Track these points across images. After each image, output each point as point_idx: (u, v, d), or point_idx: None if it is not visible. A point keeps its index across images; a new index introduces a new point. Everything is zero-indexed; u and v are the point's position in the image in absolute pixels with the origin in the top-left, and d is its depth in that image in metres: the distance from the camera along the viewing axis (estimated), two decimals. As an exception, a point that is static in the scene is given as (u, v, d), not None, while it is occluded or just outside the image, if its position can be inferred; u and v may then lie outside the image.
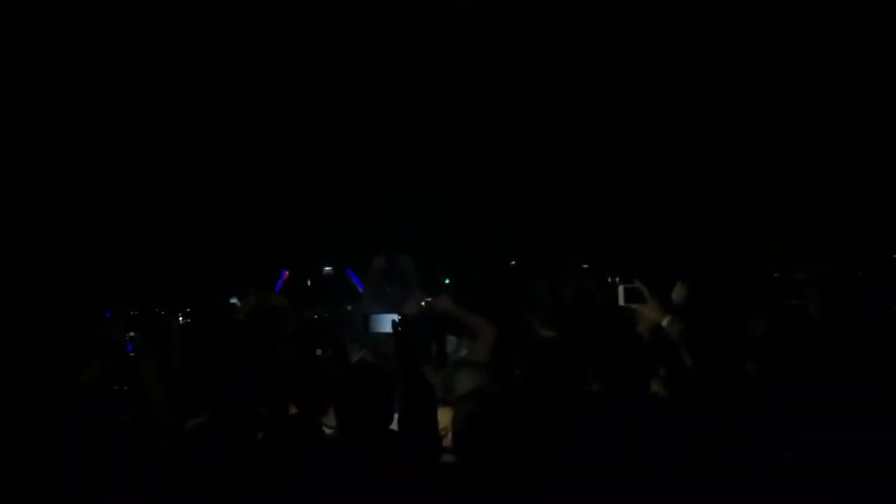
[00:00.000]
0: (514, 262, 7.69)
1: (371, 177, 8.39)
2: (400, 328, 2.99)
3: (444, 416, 2.93)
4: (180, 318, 4.82)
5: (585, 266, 5.36)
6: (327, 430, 3.10)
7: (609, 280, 4.88)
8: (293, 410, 3.36)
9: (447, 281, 6.10)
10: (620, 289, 3.54)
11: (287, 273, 5.55)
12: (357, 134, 8.36)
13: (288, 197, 8.38)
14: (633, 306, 3.49)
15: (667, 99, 7.81)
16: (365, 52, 7.93)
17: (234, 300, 5.46)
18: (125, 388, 3.11)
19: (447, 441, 2.95)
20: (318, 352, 4.31)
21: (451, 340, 4.63)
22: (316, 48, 7.95)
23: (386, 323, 3.07)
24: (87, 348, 3.46)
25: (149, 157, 8.09)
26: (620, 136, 8.05)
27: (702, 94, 7.74)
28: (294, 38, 7.93)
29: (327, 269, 6.97)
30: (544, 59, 7.88)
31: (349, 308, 5.80)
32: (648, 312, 3.44)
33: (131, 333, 3.27)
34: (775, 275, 5.18)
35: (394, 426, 3.26)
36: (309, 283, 6.93)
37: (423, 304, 4.36)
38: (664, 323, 3.40)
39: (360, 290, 5.88)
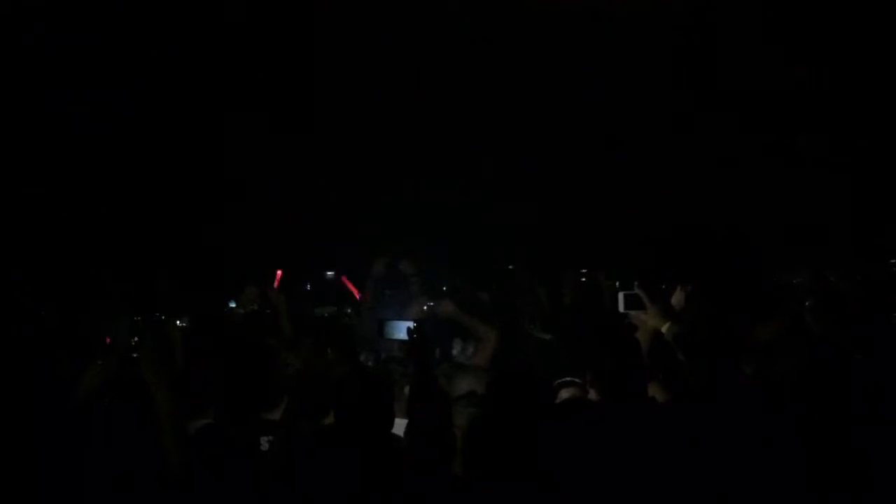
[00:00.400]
0: (511, 266, 7.69)
1: (371, 179, 8.39)
2: (415, 335, 3.00)
3: None
4: (179, 322, 4.83)
5: (584, 271, 5.38)
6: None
7: (608, 285, 4.90)
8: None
9: (444, 288, 6.11)
10: (620, 295, 3.55)
11: (280, 273, 5.53)
12: (357, 135, 8.36)
13: (289, 199, 8.39)
14: (633, 313, 3.51)
15: (669, 104, 7.83)
16: (368, 57, 7.94)
17: (232, 304, 5.46)
18: (128, 390, 3.11)
19: None
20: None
21: (457, 342, 4.66)
22: (321, 50, 7.96)
23: (401, 329, 3.07)
24: (90, 350, 3.47)
25: (147, 159, 8.09)
26: (621, 140, 8.07)
27: (706, 98, 7.76)
28: (297, 41, 7.94)
29: (329, 273, 6.96)
30: (546, 59, 7.90)
31: (348, 311, 5.81)
32: (649, 319, 3.46)
33: (135, 339, 3.28)
34: (772, 279, 5.20)
35: (397, 430, 3.29)
36: (309, 286, 6.92)
37: (425, 307, 4.39)
38: (664, 329, 3.42)
39: (356, 296, 5.89)
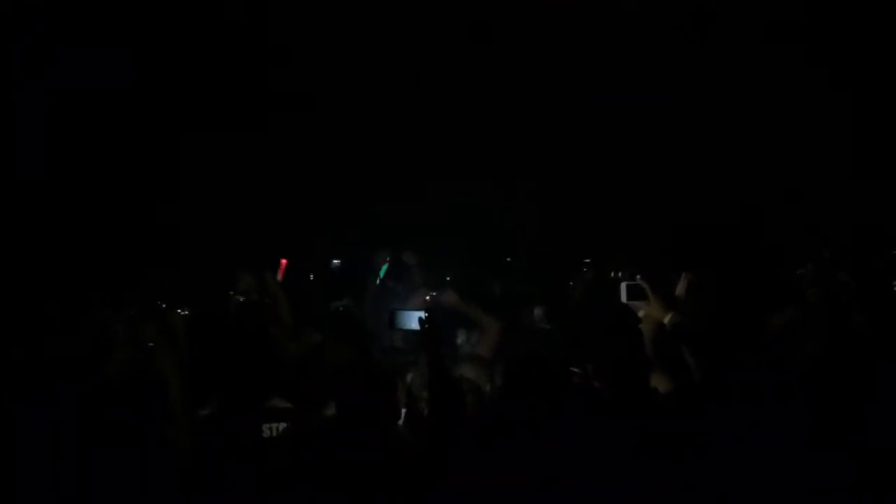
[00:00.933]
0: (509, 259, 7.69)
1: (372, 171, 8.39)
2: (427, 325, 2.98)
3: None
4: (179, 311, 4.83)
5: (587, 261, 5.38)
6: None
7: (612, 276, 4.90)
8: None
9: (448, 278, 6.10)
10: (623, 286, 3.54)
11: (285, 262, 5.52)
12: (357, 127, 8.35)
13: (289, 192, 8.38)
14: (636, 303, 3.49)
15: (672, 99, 7.82)
16: (368, 50, 7.92)
17: (233, 292, 5.45)
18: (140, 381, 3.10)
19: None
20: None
21: (461, 332, 4.66)
22: (317, 44, 7.95)
23: (412, 319, 3.04)
24: (101, 344, 3.47)
25: (146, 151, 8.08)
26: (623, 134, 8.06)
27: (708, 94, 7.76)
28: (292, 35, 7.92)
29: (335, 262, 6.90)
30: (546, 57, 7.89)
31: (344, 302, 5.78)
32: (651, 310, 3.45)
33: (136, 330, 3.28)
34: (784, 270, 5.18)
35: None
36: (312, 276, 6.88)
37: (427, 298, 4.38)
38: (666, 320, 3.41)
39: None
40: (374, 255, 5.31)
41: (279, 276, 5.08)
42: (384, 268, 5.21)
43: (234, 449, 2.89)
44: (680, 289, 3.67)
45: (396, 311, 3.21)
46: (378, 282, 5.16)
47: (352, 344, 3.74)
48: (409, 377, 3.67)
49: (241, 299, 5.08)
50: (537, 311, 4.92)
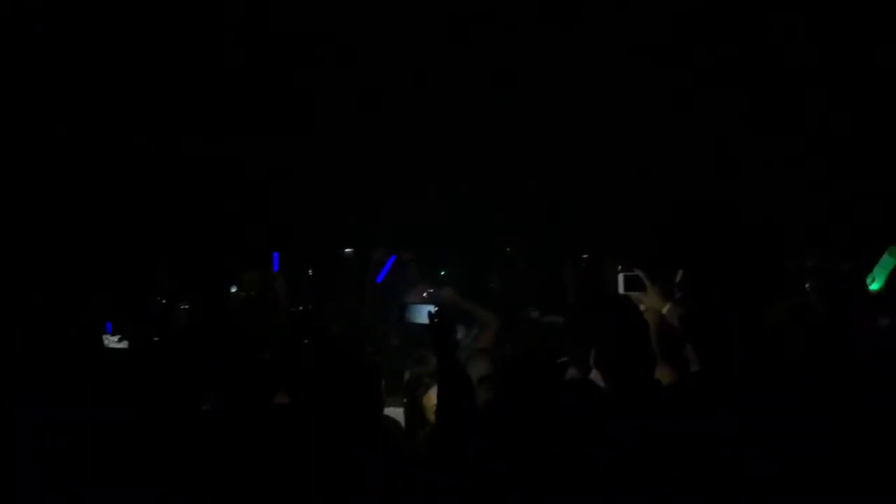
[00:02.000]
0: (508, 249, 7.68)
1: (369, 167, 8.38)
2: (437, 319, 2.94)
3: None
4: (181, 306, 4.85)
5: (585, 256, 5.36)
6: None
7: (610, 268, 4.88)
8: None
9: (442, 272, 6.10)
10: (620, 277, 3.55)
11: (278, 255, 5.54)
12: (356, 123, 8.35)
13: (288, 191, 8.39)
14: (634, 294, 3.50)
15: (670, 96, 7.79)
16: (369, 50, 7.92)
17: (234, 288, 5.47)
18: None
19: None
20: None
21: (460, 329, 4.67)
22: (317, 43, 7.95)
23: (422, 313, 3.00)
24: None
25: (145, 145, 8.10)
26: (621, 124, 8.03)
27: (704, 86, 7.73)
28: (292, 35, 7.93)
29: (348, 250, 6.77)
30: (540, 50, 7.87)
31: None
32: (649, 300, 3.46)
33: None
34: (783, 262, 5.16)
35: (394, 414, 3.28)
36: (310, 271, 6.87)
37: (425, 294, 4.38)
38: (664, 311, 3.41)
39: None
40: (373, 252, 5.32)
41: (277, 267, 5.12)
42: (386, 265, 5.19)
43: (231, 444, 2.89)
44: (678, 280, 3.67)
45: (407, 305, 3.17)
46: (379, 279, 5.15)
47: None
48: (406, 375, 3.68)
49: (243, 295, 5.12)
50: (534, 312, 4.93)
